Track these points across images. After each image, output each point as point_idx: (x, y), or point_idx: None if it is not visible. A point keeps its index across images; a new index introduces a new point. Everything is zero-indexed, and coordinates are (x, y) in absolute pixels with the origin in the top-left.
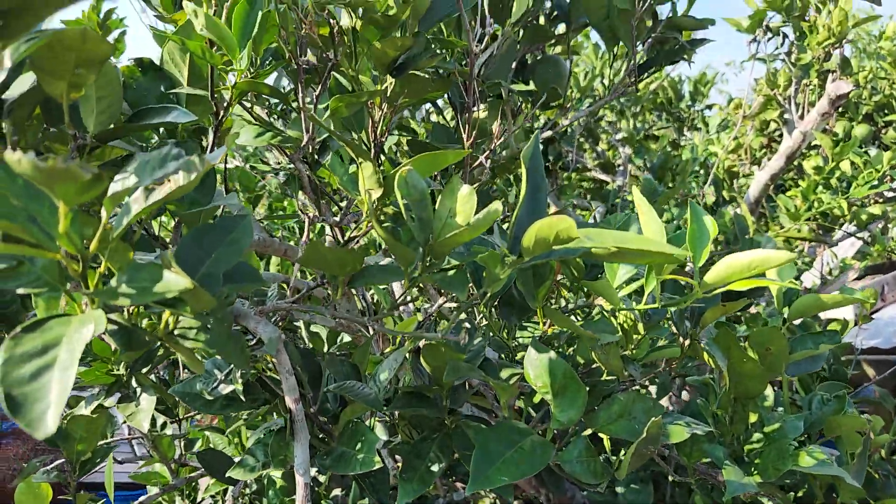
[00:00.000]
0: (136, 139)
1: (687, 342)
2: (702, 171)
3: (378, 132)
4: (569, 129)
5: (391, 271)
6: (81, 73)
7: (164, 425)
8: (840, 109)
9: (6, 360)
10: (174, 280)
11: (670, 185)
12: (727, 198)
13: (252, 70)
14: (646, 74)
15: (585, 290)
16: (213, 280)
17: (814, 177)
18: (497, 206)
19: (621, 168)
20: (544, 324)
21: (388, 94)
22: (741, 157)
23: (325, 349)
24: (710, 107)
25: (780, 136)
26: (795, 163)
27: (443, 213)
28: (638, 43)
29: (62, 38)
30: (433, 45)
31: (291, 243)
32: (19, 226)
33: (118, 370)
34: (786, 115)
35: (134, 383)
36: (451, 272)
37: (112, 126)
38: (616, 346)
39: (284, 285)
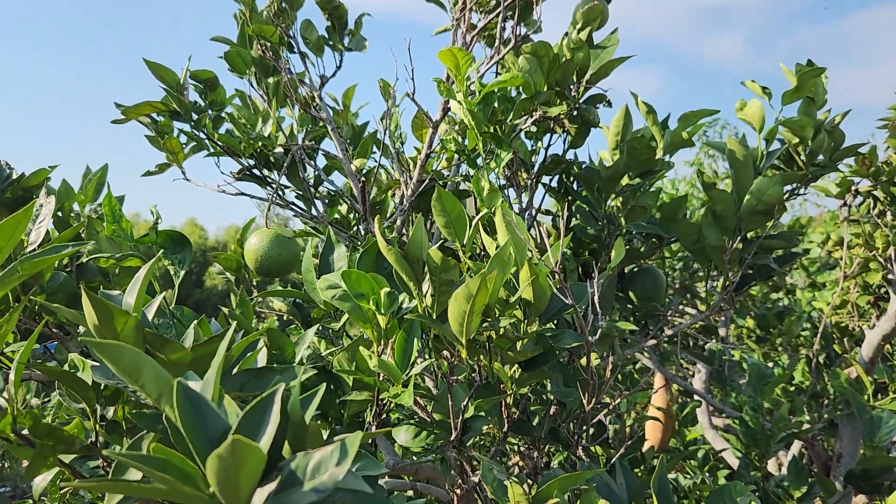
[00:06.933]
0: None
1: None
2: (808, 325)
3: (510, 411)
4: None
5: None
6: None
7: None
8: None
9: None
10: None
11: (778, 345)
12: (839, 352)
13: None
14: (742, 290)
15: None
16: None
17: None
18: None
19: (723, 320)
20: None
21: (517, 379)
22: (849, 311)
23: None
24: (807, 251)
25: (887, 293)
26: None
27: None
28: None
29: None
30: (554, 349)
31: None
32: None
33: None
34: (889, 276)
35: None
36: None
37: None
38: None
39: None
